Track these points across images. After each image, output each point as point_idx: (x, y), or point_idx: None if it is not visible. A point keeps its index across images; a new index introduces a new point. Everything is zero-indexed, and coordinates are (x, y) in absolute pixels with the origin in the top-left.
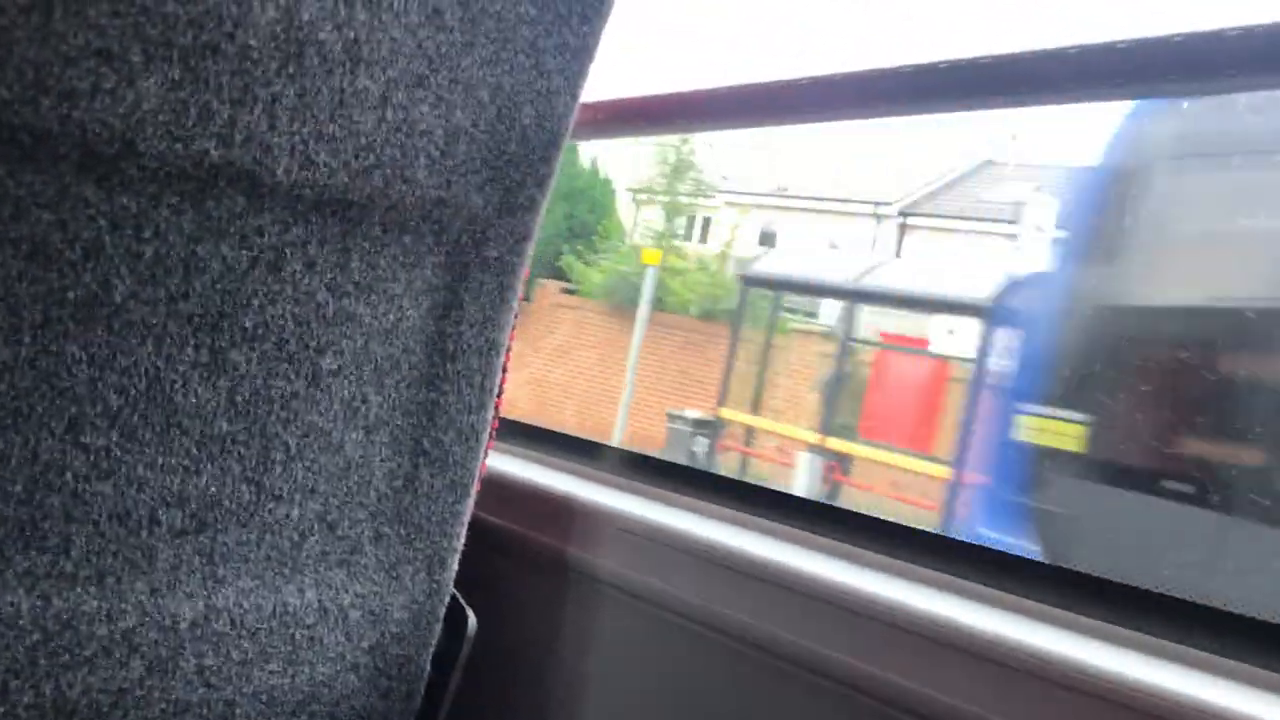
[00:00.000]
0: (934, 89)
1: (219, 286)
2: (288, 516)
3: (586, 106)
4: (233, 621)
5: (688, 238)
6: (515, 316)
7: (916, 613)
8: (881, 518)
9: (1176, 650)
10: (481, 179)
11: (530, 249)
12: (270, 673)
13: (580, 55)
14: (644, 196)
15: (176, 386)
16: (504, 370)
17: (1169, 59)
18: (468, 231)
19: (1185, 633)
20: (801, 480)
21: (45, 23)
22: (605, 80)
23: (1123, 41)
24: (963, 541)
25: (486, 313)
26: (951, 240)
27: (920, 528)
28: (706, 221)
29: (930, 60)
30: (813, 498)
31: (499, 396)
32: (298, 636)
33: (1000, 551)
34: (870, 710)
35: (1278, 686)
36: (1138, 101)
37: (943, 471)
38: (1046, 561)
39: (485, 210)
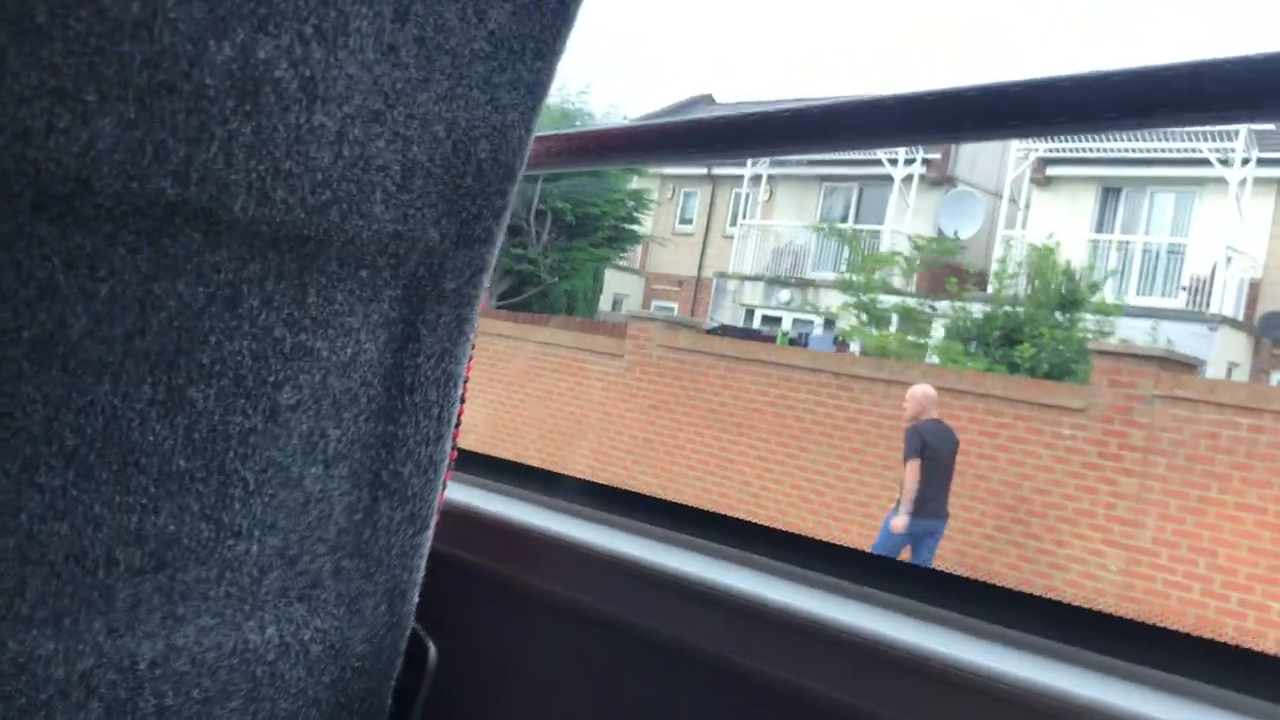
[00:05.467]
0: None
1: (176, 324)
2: (247, 552)
3: (540, 139)
4: (193, 660)
5: None
6: (472, 348)
7: (886, 639)
8: (847, 547)
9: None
10: (438, 213)
11: (486, 281)
12: (231, 710)
13: (534, 90)
14: None
15: (134, 424)
16: (461, 401)
17: (1156, 92)
18: (425, 265)
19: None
20: None
21: None
22: None
23: (1116, 73)
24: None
25: (444, 345)
26: None
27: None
28: None
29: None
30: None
31: (457, 428)
32: (259, 673)
33: (948, 575)
34: None
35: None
36: None
37: None
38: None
39: (442, 243)
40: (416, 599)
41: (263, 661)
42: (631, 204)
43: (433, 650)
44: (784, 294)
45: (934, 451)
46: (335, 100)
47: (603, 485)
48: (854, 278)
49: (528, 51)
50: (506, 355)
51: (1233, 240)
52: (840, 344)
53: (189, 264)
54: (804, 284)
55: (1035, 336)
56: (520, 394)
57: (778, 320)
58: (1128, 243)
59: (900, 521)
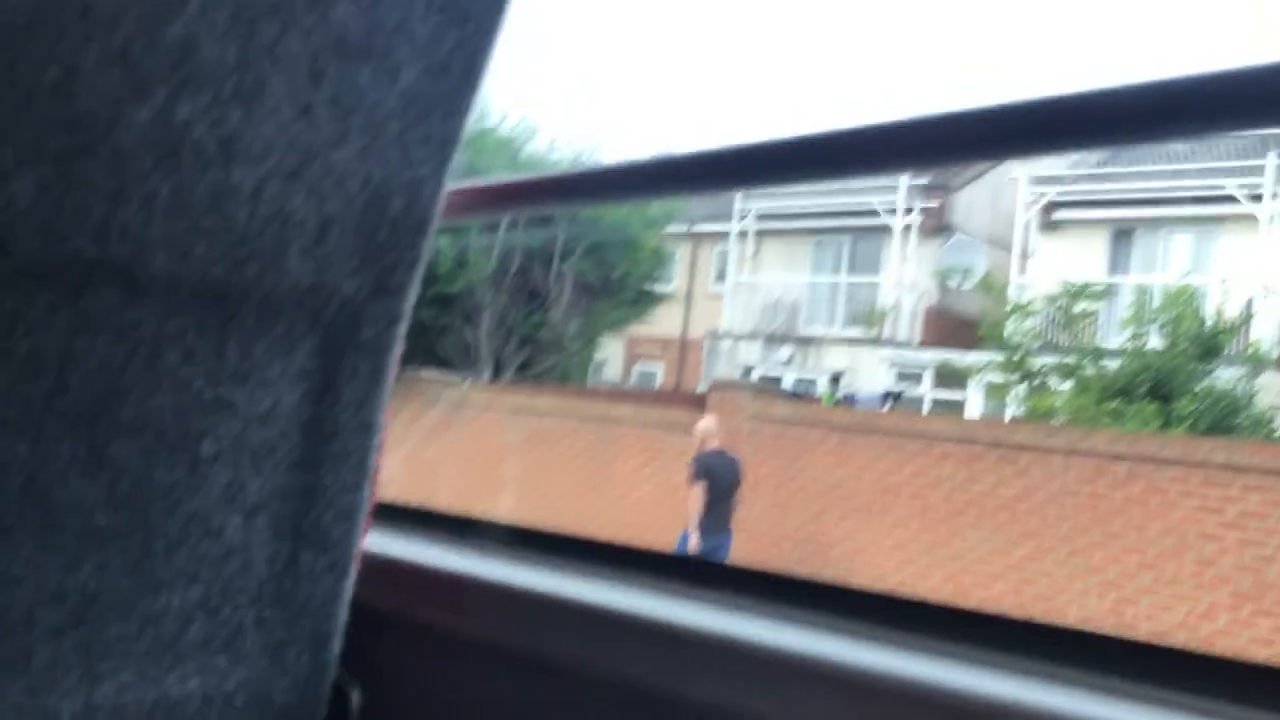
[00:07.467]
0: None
1: (96, 381)
2: (169, 605)
3: (454, 191)
4: (113, 716)
5: None
6: (389, 397)
7: (827, 660)
8: (772, 572)
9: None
10: (354, 265)
11: (403, 330)
12: None
13: (446, 145)
14: None
15: (54, 483)
16: (379, 449)
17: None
18: (341, 315)
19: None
20: None
21: None
22: None
23: (1127, 87)
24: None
25: (362, 394)
26: None
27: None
28: None
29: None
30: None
31: (375, 475)
32: None
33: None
34: None
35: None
36: None
37: None
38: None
39: (358, 295)
40: (339, 647)
41: (184, 715)
42: (652, 263)
43: (355, 697)
44: (783, 351)
45: (716, 477)
46: (253, 159)
47: (514, 526)
48: (999, 332)
49: (438, 109)
50: (558, 434)
51: (1265, 278)
52: (889, 401)
53: (109, 321)
54: (803, 340)
55: (1188, 390)
56: (583, 477)
57: (777, 380)
58: (1143, 285)
59: (694, 541)
